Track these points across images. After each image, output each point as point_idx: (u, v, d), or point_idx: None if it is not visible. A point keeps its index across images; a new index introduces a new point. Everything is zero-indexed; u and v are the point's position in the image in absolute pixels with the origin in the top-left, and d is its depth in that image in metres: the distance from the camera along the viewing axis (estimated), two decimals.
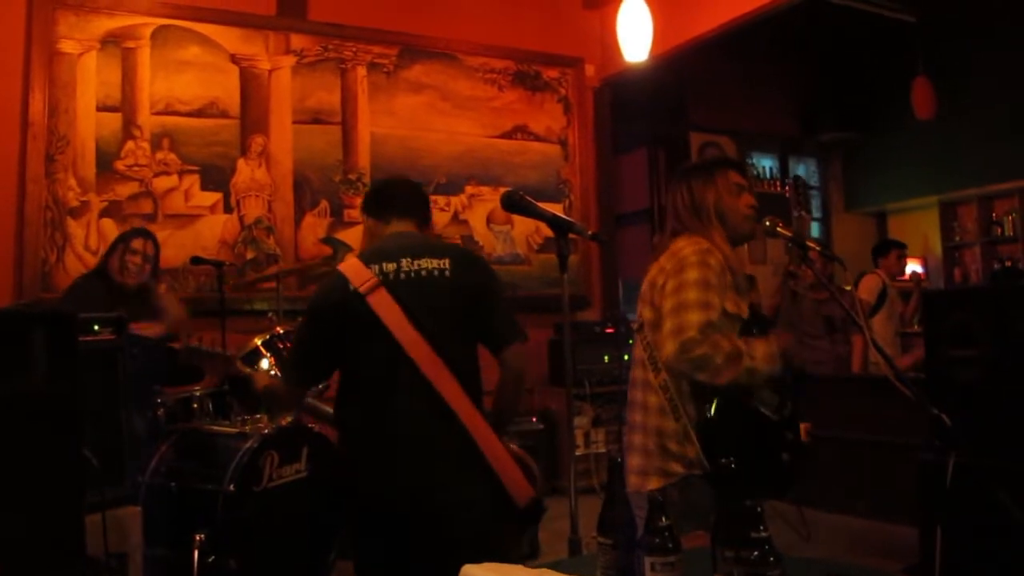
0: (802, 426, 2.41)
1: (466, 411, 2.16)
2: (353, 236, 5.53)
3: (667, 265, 2.35)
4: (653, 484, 2.31)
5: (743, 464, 1.94)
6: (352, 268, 2.25)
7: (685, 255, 2.33)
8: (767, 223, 2.46)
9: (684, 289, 2.26)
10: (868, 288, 5.86)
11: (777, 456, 2.31)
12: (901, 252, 6.16)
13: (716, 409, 2.25)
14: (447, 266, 2.27)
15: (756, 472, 2.21)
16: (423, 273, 2.24)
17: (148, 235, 4.17)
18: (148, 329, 3.80)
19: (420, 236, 2.41)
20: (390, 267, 2.23)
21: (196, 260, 4.61)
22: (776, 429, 2.32)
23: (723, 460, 1.45)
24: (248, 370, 3.32)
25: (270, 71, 5.39)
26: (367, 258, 2.28)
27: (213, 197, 5.17)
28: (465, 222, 5.96)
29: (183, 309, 4.29)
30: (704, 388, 2.26)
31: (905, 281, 6.41)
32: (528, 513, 2.20)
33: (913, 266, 8.15)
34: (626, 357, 5.94)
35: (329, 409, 3.02)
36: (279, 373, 3.43)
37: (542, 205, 2.26)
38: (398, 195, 2.47)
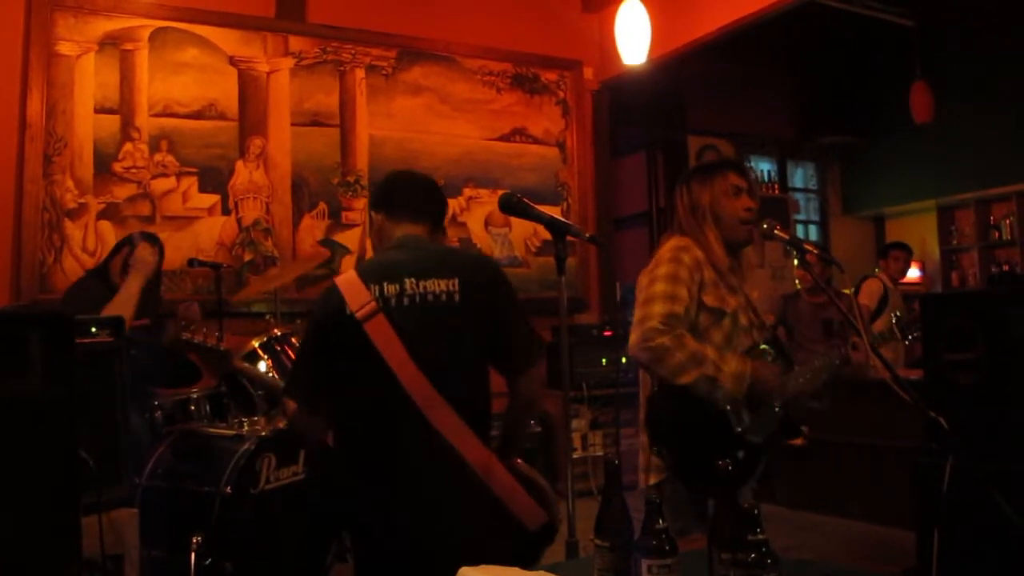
0: (801, 430, 2.41)
1: (468, 446, 2.01)
2: (351, 238, 5.55)
3: (650, 265, 2.44)
4: (653, 479, 2.36)
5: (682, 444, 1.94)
6: (350, 286, 2.07)
7: (661, 253, 2.42)
8: (764, 226, 2.47)
9: (654, 283, 2.34)
10: (869, 293, 5.84)
11: (712, 458, 2.25)
12: (899, 254, 6.15)
13: (662, 388, 2.27)
14: (456, 288, 2.08)
15: (689, 458, 2.22)
16: (429, 298, 2.06)
17: (155, 240, 4.16)
18: (125, 292, 3.67)
19: (429, 246, 2.21)
20: (391, 289, 2.05)
21: (194, 262, 4.61)
22: (730, 438, 2.28)
23: (720, 462, 1.45)
24: (246, 365, 3.27)
25: (268, 73, 5.39)
26: (367, 274, 2.10)
27: (211, 199, 5.16)
28: (463, 224, 5.96)
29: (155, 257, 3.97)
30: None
31: (910, 284, 6.38)
32: (540, 537, 2.11)
33: (911, 269, 8.17)
34: (624, 360, 5.94)
35: None
36: (279, 376, 3.43)
37: (540, 208, 2.24)
38: (412, 193, 2.27)
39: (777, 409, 2.34)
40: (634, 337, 2.27)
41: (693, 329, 2.31)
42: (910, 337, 2.58)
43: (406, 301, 2.05)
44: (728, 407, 2.26)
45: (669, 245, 2.43)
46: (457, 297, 2.08)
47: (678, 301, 2.28)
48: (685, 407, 2.26)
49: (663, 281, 2.32)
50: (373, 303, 2.03)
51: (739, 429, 2.27)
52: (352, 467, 2.14)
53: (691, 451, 2.25)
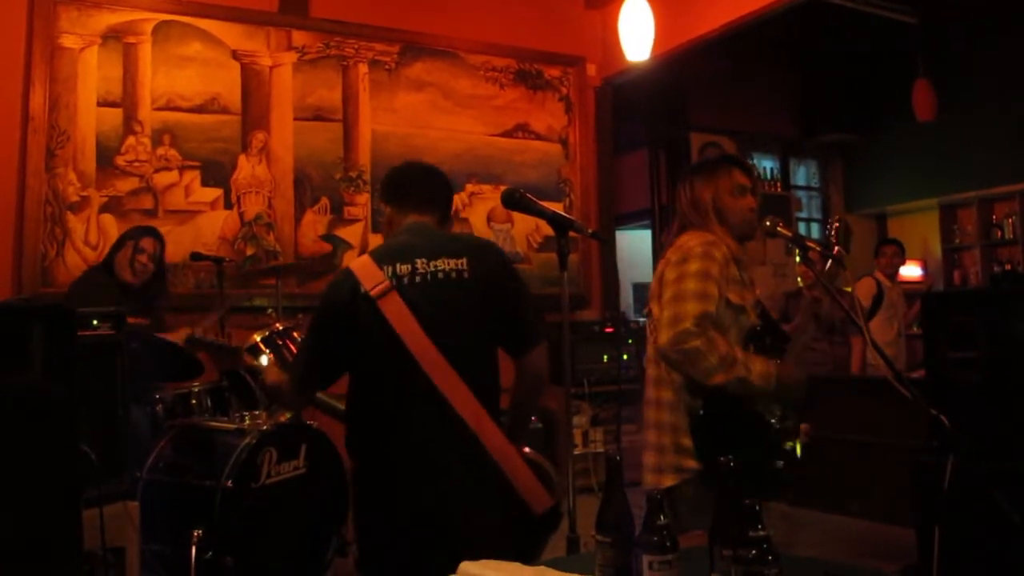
0: (802, 427, 2.42)
1: (479, 422, 2.06)
2: (353, 233, 5.55)
3: (673, 257, 2.37)
4: (668, 481, 2.33)
5: (737, 462, 1.94)
6: (363, 268, 2.13)
7: (691, 247, 2.35)
8: (767, 223, 2.46)
9: (684, 279, 2.28)
10: (861, 292, 5.84)
11: (771, 461, 2.31)
12: (887, 249, 6.14)
13: (706, 406, 2.26)
14: (465, 267, 2.14)
15: (748, 472, 2.22)
16: (439, 276, 2.12)
17: (157, 235, 4.18)
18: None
19: (437, 231, 2.28)
20: (404, 269, 2.11)
21: (196, 256, 4.62)
22: (775, 435, 2.32)
23: (722, 458, 1.45)
24: (256, 362, 3.28)
25: (271, 68, 5.39)
26: (380, 257, 2.15)
27: (213, 193, 5.16)
28: (465, 220, 5.96)
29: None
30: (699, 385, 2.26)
31: (911, 282, 6.35)
32: (546, 521, 2.14)
33: (913, 268, 8.16)
34: (625, 357, 5.95)
35: (337, 404, 2.90)
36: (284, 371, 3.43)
37: (542, 204, 2.24)
38: (418, 184, 2.34)
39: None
40: (666, 337, 2.23)
41: (715, 325, 2.30)
42: (837, 246, 2.52)
43: (418, 279, 2.11)
44: (759, 406, 2.27)
45: (698, 240, 2.36)
46: (466, 275, 2.14)
47: (709, 299, 2.25)
48: (731, 429, 2.26)
49: (694, 278, 2.27)
50: (387, 281, 2.09)
51: (774, 421, 2.28)
52: (362, 439, 2.17)
53: (747, 466, 2.25)
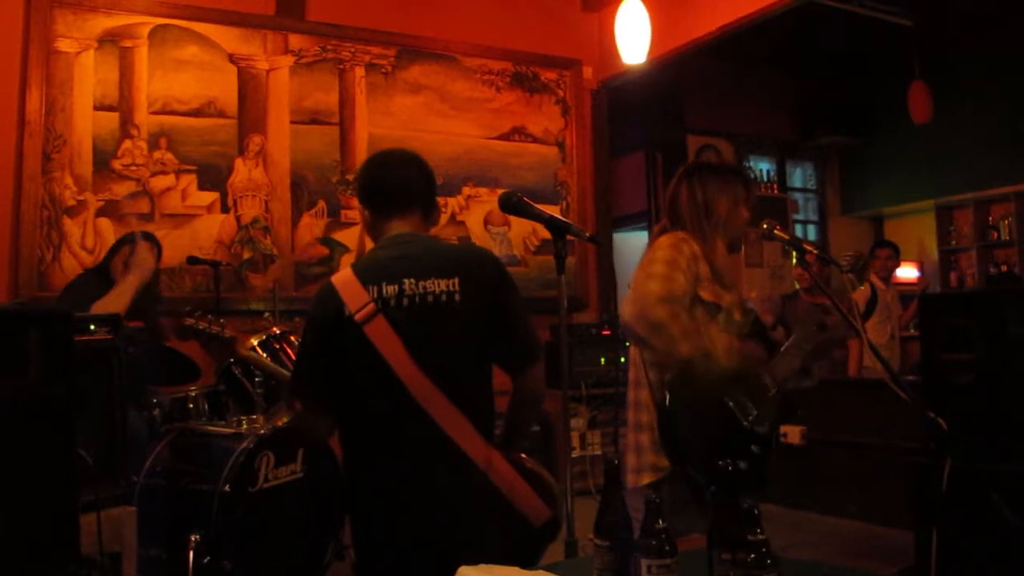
0: (797, 429, 2.43)
1: (474, 446, 1.99)
2: (350, 236, 5.54)
3: (645, 255, 2.44)
4: (646, 479, 2.34)
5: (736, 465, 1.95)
6: (347, 287, 2.04)
7: (660, 241, 2.42)
8: (764, 226, 2.48)
9: (651, 265, 2.34)
10: (855, 295, 5.84)
11: (735, 458, 2.29)
12: (882, 252, 6.15)
13: (672, 402, 2.26)
14: (456, 288, 2.04)
15: (709, 465, 2.22)
16: (429, 299, 2.02)
17: (153, 240, 4.18)
18: (120, 288, 3.66)
19: (427, 243, 2.18)
20: (390, 290, 2.01)
21: (193, 260, 4.62)
22: (744, 435, 2.31)
23: (722, 462, 1.45)
24: (252, 354, 3.23)
25: (268, 71, 5.39)
26: (364, 273, 2.06)
27: (210, 197, 5.16)
28: (462, 223, 5.96)
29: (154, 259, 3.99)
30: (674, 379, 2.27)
31: (907, 284, 6.35)
32: (544, 533, 2.10)
33: (909, 269, 8.17)
34: (623, 359, 5.94)
35: None
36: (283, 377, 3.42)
37: (539, 207, 2.24)
38: (399, 184, 2.21)
39: (772, 393, 2.37)
40: (629, 309, 2.27)
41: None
42: (848, 272, 2.56)
43: (406, 302, 2.02)
44: (732, 403, 2.27)
45: (668, 237, 2.43)
46: (458, 297, 2.04)
47: (675, 283, 2.29)
48: (697, 422, 2.26)
49: (661, 264, 2.32)
50: (372, 305, 2.00)
51: (747, 422, 2.28)
52: (355, 465, 2.13)
53: (716, 464, 2.25)
